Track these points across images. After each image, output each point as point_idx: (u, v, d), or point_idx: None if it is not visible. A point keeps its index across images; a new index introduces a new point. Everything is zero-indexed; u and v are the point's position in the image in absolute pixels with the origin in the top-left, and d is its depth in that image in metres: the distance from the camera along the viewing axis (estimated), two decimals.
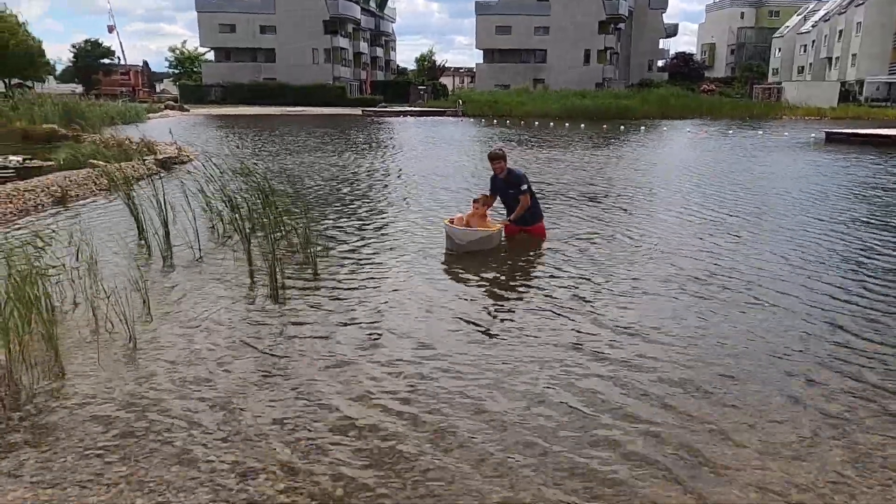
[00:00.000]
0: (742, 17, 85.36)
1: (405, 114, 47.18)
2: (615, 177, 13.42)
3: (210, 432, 3.31)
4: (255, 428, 3.36)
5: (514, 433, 3.32)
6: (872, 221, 8.87)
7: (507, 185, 7.49)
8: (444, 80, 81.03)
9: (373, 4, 74.24)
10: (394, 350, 4.37)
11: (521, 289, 5.80)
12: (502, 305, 5.35)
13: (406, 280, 6.00)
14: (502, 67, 63.84)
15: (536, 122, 36.01)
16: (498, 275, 6.20)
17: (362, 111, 50.10)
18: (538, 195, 8.14)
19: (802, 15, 75.12)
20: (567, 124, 34.55)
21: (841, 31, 61.60)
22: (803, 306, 5.27)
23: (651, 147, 21.72)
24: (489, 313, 5.16)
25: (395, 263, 6.57)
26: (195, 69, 73.35)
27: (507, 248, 7.19)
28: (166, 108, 48.22)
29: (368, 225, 8.58)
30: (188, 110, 48.27)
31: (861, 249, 7.24)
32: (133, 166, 12.50)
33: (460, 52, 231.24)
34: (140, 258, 6.70)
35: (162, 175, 12.57)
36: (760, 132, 28.57)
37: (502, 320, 4.99)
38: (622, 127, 31.96)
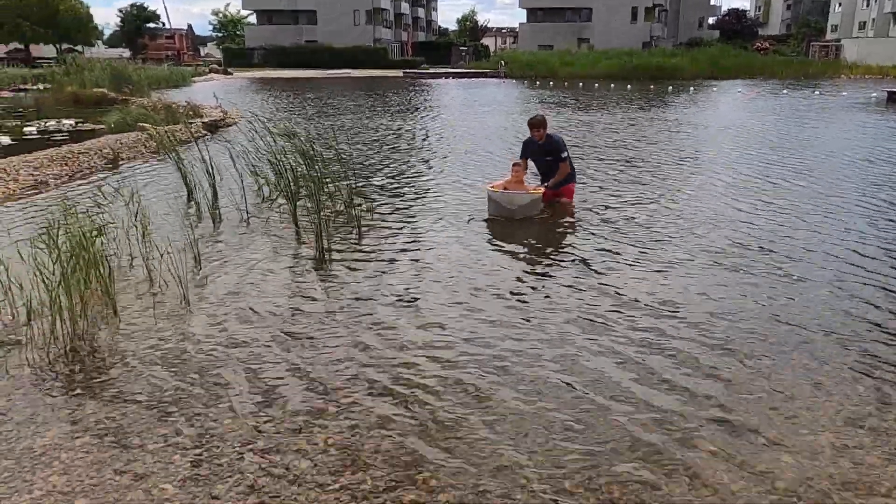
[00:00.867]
0: None
1: (446, 75, 46.68)
2: (656, 140, 13.06)
3: (257, 389, 3.40)
4: (299, 385, 3.44)
5: (549, 398, 3.32)
6: None
7: (544, 152, 7.34)
8: (486, 40, 79.69)
9: None
10: (434, 314, 4.38)
11: (557, 256, 5.66)
12: (539, 272, 5.26)
13: (446, 244, 5.97)
14: (546, 27, 62.32)
15: (581, 84, 35.22)
16: (536, 241, 6.13)
17: (403, 73, 49.79)
18: (574, 159, 7.95)
19: None
20: (612, 85, 33.70)
21: None
22: (849, 278, 5.08)
23: (698, 108, 21.05)
24: (526, 278, 5.12)
25: (436, 226, 6.57)
26: (238, 32, 73.74)
27: (543, 213, 7.05)
28: (210, 71, 48.71)
29: (410, 187, 8.58)
30: (232, 74, 48.71)
31: None
32: (180, 129, 12.71)
33: (503, 11, 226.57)
34: (190, 218, 6.85)
35: (208, 137, 12.76)
36: (817, 92, 27.38)
37: (539, 287, 4.93)
38: (670, 88, 31.02)
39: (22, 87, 27.88)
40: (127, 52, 65.42)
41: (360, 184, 8.50)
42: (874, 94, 25.11)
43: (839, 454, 2.83)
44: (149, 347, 3.85)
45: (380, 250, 5.76)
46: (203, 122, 14.44)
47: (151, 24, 75.58)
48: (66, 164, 9.49)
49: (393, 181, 8.95)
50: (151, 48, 65.91)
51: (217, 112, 15.96)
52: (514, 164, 7.19)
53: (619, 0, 59.66)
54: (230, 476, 2.69)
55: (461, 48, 65.15)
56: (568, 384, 3.42)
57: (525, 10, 64.56)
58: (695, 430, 3.01)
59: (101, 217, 6.13)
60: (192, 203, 7.34)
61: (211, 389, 3.37)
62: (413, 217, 6.95)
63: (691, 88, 30.97)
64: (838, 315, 4.30)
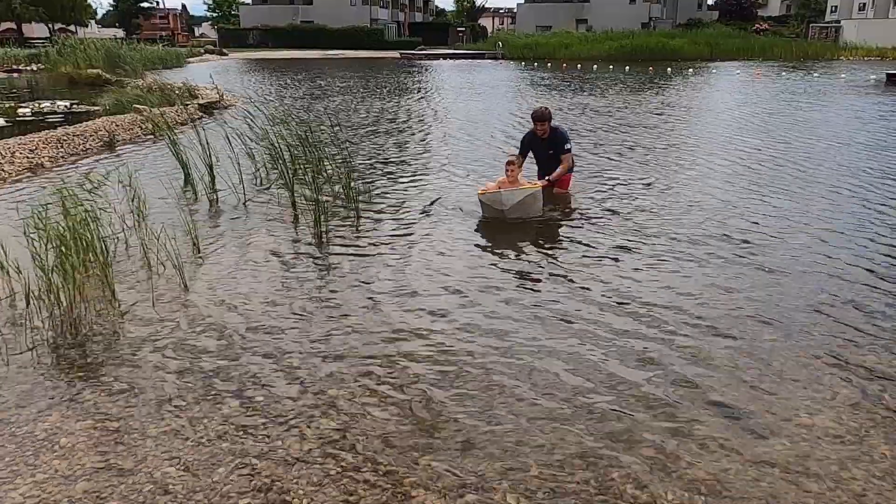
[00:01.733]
0: None
1: (444, 56, 46.31)
2: (655, 125, 12.98)
3: (256, 372, 3.41)
4: (298, 369, 3.45)
5: (546, 385, 3.34)
6: None
7: (547, 146, 6.91)
8: (483, 21, 79.01)
9: None
10: (431, 299, 4.39)
11: (551, 245, 5.61)
12: (536, 261, 5.24)
13: (444, 227, 5.95)
14: (544, 8, 61.77)
15: (579, 66, 34.97)
16: (532, 230, 6.04)
17: (400, 54, 49.36)
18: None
19: None
20: (611, 67, 33.47)
21: None
22: (844, 267, 5.10)
23: (697, 91, 20.94)
24: (524, 265, 5.12)
25: (434, 209, 6.55)
26: (233, 12, 72.91)
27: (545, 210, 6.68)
28: (205, 52, 48.23)
29: (408, 170, 8.55)
30: (227, 54, 48.24)
31: None
32: (176, 111, 12.62)
33: None
34: (187, 202, 6.83)
35: (204, 120, 12.67)
36: (816, 74, 27.25)
37: (535, 275, 4.94)
38: (669, 69, 30.84)
39: (15, 67, 27.58)
40: (121, 33, 64.71)
41: (358, 167, 8.47)
42: (873, 77, 25.00)
43: (837, 439, 2.86)
44: (148, 332, 3.85)
45: (378, 234, 5.75)
46: (199, 104, 14.33)
47: (145, 4, 74.69)
48: (62, 147, 9.42)
49: (390, 164, 8.91)
50: (145, 28, 65.27)
51: (213, 94, 15.83)
52: (507, 163, 6.47)
53: None
54: (231, 460, 2.70)
55: (458, 29, 64.58)
56: (563, 371, 3.44)
57: None
58: (694, 419, 3.04)
59: (97, 200, 6.11)
60: (189, 186, 7.31)
61: (210, 373, 3.38)
62: (411, 200, 6.93)
63: (690, 70, 30.78)
64: (838, 302, 4.32)
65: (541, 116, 6.82)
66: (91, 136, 10.24)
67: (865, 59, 40.18)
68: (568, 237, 5.73)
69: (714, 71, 30.97)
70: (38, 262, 4.09)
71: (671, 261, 5.06)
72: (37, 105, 14.43)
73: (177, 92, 15.29)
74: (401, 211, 6.54)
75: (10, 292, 4.26)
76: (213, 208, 6.63)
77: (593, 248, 5.41)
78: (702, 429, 2.92)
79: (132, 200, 6.30)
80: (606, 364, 3.47)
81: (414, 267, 4.95)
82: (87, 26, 60.49)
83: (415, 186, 7.60)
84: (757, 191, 7.28)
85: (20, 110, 13.58)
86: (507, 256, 5.23)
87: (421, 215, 6.37)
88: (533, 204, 6.19)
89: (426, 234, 5.76)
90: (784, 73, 27.92)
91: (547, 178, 6.74)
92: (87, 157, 9.30)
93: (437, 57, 46.27)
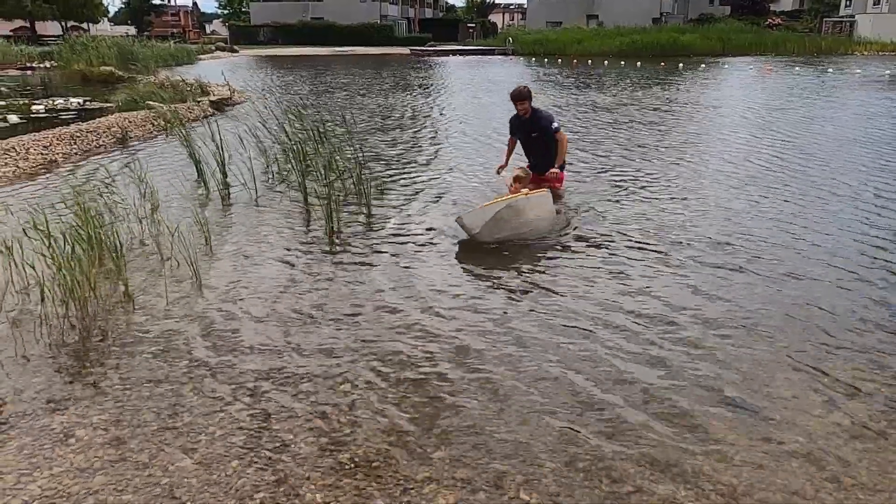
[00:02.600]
0: None
1: (453, 53, 46.23)
2: (661, 123, 12.88)
3: (269, 368, 3.43)
4: (310, 364, 3.46)
5: (556, 385, 3.34)
6: None
7: (530, 128, 6.51)
8: (493, 17, 78.81)
9: None
10: (441, 297, 4.39)
11: (560, 246, 5.50)
12: (544, 259, 5.21)
13: (455, 227, 5.90)
14: (554, 3, 61.45)
15: (590, 61, 34.82)
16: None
17: (410, 50, 49.32)
18: (574, 145, 7.48)
19: None
20: (622, 63, 33.30)
21: None
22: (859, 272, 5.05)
23: (708, 88, 20.79)
24: (534, 263, 5.10)
25: (445, 206, 6.54)
26: (244, 9, 73.10)
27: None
28: (217, 49, 48.39)
29: (419, 166, 8.55)
30: (238, 51, 48.37)
31: None
32: (188, 107, 12.69)
33: None
34: (199, 198, 6.86)
35: (216, 116, 12.72)
36: (830, 70, 26.97)
37: (542, 281, 4.94)
38: (681, 65, 30.63)
39: (29, 64, 27.80)
40: (132, 30, 65.07)
41: (369, 163, 8.47)
42: (888, 72, 24.74)
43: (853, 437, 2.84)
44: (161, 327, 3.87)
45: (390, 230, 5.76)
46: (210, 101, 14.39)
47: (157, 2, 75.06)
48: (76, 143, 9.49)
49: (400, 160, 8.92)
50: (157, 26, 65.57)
51: (224, 90, 15.89)
52: (515, 179, 5.92)
53: None
54: (245, 454, 2.72)
55: (469, 25, 64.47)
56: (574, 372, 3.44)
57: None
58: (707, 419, 3.02)
59: (110, 196, 6.16)
60: (201, 182, 7.34)
61: (223, 368, 3.40)
62: (422, 197, 6.93)
63: (702, 65, 30.57)
64: (852, 305, 4.28)
65: (518, 95, 6.39)
66: (104, 132, 10.30)
67: (880, 53, 39.70)
68: (568, 236, 5.70)
69: (726, 66, 30.74)
70: (53, 258, 4.12)
71: (675, 263, 5.01)
72: (50, 102, 14.54)
73: (188, 89, 15.36)
74: (412, 207, 6.53)
75: (25, 287, 4.29)
76: (225, 204, 6.66)
77: (593, 250, 5.35)
78: (715, 427, 2.91)
79: (145, 196, 6.34)
80: (616, 366, 3.46)
81: (426, 264, 4.95)
82: (99, 23, 60.84)
83: (425, 182, 7.60)
84: (766, 192, 7.21)
85: (34, 107, 13.69)
86: (519, 256, 5.21)
87: (433, 210, 6.37)
88: (514, 218, 5.28)
89: (438, 231, 5.75)
90: (797, 69, 27.66)
91: (555, 168, 6.32)
92: (100, 154, 9.37)
93: (446, 53, 46.19)
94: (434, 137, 11.00)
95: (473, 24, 65.19)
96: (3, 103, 14.10)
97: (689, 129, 11.88)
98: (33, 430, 2.87)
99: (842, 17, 58.39)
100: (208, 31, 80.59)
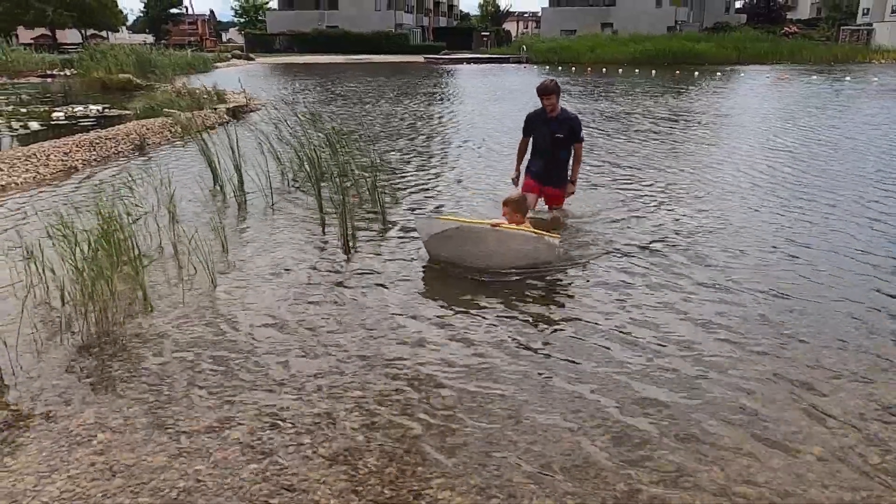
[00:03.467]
0: None
1: (468, 61, 46.40)
2: (674, 133, 12.86)
3: (284, 373, 3.45)
4: (325, 369, 3.48)
5: (573, 395, 3.33)
6: None
7: (554, 127, 5.92)
8: (507, 25, 79.00)
9: None
10: (455, 304, 4.40)
11: (580, 258, 5.49)
12: (563, 273, 5.20)
13: None
14: (569, 12, 61.60)
15: (604, 70, 34.81)
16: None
17: (425, 59, 49.56)
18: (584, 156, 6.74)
19: None
20: (637, 71, 33.26)
21: None
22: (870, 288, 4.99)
23: (725, 96, 20.70)
24: (552, 277, 5.08)
25: (460, 214, 6.56)
26: (260, 18, 73.86)
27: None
28: (233, 57, 48.88)
29: (431, 173, 8.58)
30: (254, 59, 48.83)
31: None
32: (205, 115, 12.82)
33: None
34: (216, 204, 6.93)
35: (232, 123, 12.84)
36: (848, 78, 26.78)
37: (563, 287, 4.93)
38: (696, 73, 30.54)
39: (49, 72, 28.23)
40: (150, 38, 65.91)
41: (384, 171, 8.52)
42: None
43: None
44: (178, 331, 3.91)
45: (404, 239, 5.77)
46: (227, 108, 14.54)
47: (175, 11, 76.01)
48: (95, 150, 9.62)
49: (414, 168, 8.95)
50: (174, 34, 66.33)
51: (240, 98, 16.06)
52: (504, 203, 5.16)
53: None
54: (260, 459, 2.74)
55: (483, 33, 64.68)
56: (587, 383, 3.43)
57: None
58: (723, 431, 3.01)
59: (129, 202, 6.23)
60: (218, 188, 7.41)
61: (240, 373, 3.43)
62: (436, 204, 6.95)
63: (718, 74, 30.45)
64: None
65: (545, 89, 5.84)
66: (122, 139, 10.44)
67: None
68: (580, 242, 5.69)
69: (742, 75, 30.61)
70: (73, 262, 4.18)
71: (686, 281, 4.99)
72: (70, 109, 14.75)
73: (205, 96, 15.53)
74: (426, 214, 6.55)
75: (45, 291, 4.35)
76: (242, 210, 6.72)
77: (610, 262, 5.36)
78: (730, 441, 2.89)
79: (163, 202, 6.42)
80: (629, 377, 3.45)
81: (441, 273, 4.96)
82: (118, 31, 61.71)
83: (439, 190, 7.64)
84: (786, 206, 7.16)
85: (54, 114, 13.90)
86: (537, 268, 5.21)
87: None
88: (464, 244, 4.79)
89: None
90: (814, 77, 27.49)
91: (571, 179, 6.05)
92: (118, 160, 9.49)
93: (461, 61, 46.38)
94: (448, 145, 11.04)
95: (488, 33, 65.38)
96: (24, 110, 14.33)
97: (707, 139, 11.83)
98: (52, 433, 2.90)
99: (859, 25, 57.94)
100: (225, 39, 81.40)
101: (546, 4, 64.54)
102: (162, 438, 2.87)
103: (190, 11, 76.64)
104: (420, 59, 49.75)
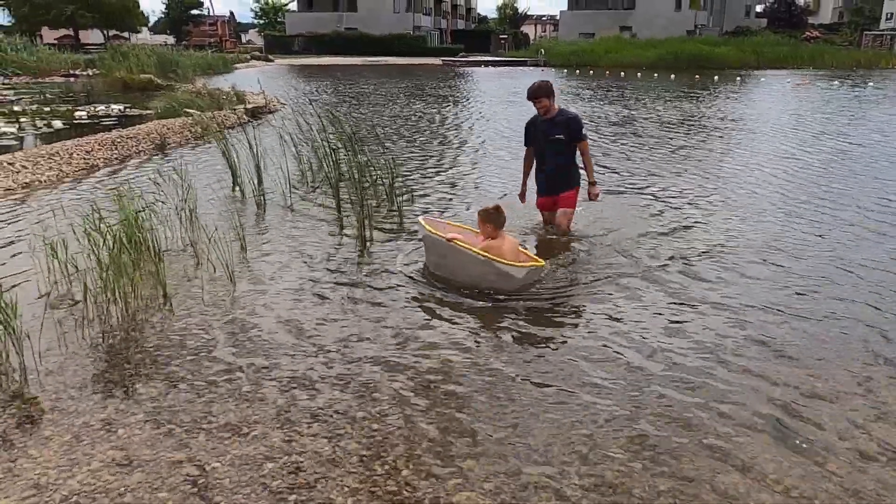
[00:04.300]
0: None
1: (485, 64, 46.41)
2: (698, 141, 12.78)
3: (304, 371, 3.47)
4: (345, 369, 3.49)
5: (591, 401, 3.31)
6: None
7: (551, 129, 5.52)
8: (525, 28, 78.93)
9: None
10: (472, 307, 4.40)
11: (602, 267, 5.42)
12: (583, 280, 5.16)
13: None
14: (587, 15, 61.40)
15: (622, 73, 34.65)
16: (572, 235, 5.95)
17: (442, 61, 49.63)
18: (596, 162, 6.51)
19: None
20: (656, 75, 33.07)
21: None
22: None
23: (747, 101, 20.52)
24: (570, 285, 5.07)
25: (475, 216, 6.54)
26: (279, 20, 74.41)
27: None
28: (252, 58, 49.25)
29: (450, 175, 8.59)
30: (273, 61, 49.17)
31: None
32: (224, 115, 12.93)
33: None
34: (235, 203, 6.98)
35: (251, 123, 12.94)
36: (870, 83, 26.43)
37: (581, 294, 4.89)
38: (716, 77, 30.30)
39: (72, 72, 28.63)
40: (171, 39, 66.67)
41: (401, 172, 8.54)
42: None
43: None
44: (198, 329, 3.95)
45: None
46: (246, 109, 14.65)
47: (195, 12, 76.80)
48: (116, 149, 9.74)
49: (433, 170, 8.97)
50: (195, 35, 66.98)
51: (259, 98, 16.17)
52: (478, 213, 4.75)
53: None
54: (278, 457, 2.75)
55: (501, 36, 64.66)
56: (606, 387, 3.41)
57: None
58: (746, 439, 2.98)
59: (150, 200, 6.30)
60: (237, 188, 7.47)
61: (257, 372, 3.45)
62: (454, 206, 6.96)
63: (738, 78, 30.20)
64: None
65: (535, 92, 5.46)
66: (143, 138, 10.56)
67: None
68: (595, 250, 5.66)
69: (763, 79, 30.33)
70: (95, 260, 4.23)
71: (707, 291, 4.96)
72: (92, 108, 14.94)
73: (225, 97, 15.66)
74: (444, 216, 6.56)
75: (68, 287, 4.41)
76: (260, 209, 6.77)
77: (629, 269, 5.33)
78: (753, 451, 2.86)
79: (183, 201, 6.47)
80: (646, 386, 3.43)
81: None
82: (139, 32, 62.48)
83: (456, 191, 7.64)
84: (807, 214, 7.08)
85: (77, 113, 14.08)
86: (554, 274, 5.19)
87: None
88: (433, 253, 4.77)
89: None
90: (836, 83, 27.16)
91: (591, 181, 5.64)
92: (139, 159, 9.60)
93: (478, 64, 46.39)
94: (465, 145, 11.04)
95: (505, 36, 65.37)
96: (47, 109, 14.53)
97: (726, 147, 11.73)
98: (74, 427, 2.94)
99: (882, 30, 57.18)
100: (244, 40, 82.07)
101: (564, 7, 64.43)
102: (181, 434, 2.89)
103: (210, 13, 77.39)
104: (437, 61, 49.82)
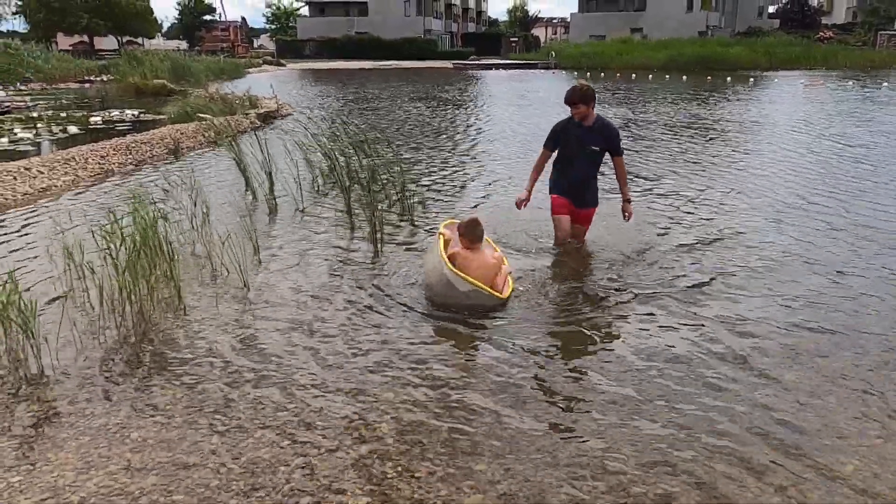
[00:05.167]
0: None
1: (496, 67, 46.45)
2: (705, 147, 12.69)
3: (317, 373, 3.49)
4: (357, 372, 3.51)
5: (606, 402, 3.31)
6: None
7: (588, 138, 5.15)
8: (536, 31, 78.89)
9: None
10: (484, 318, 4.40)
11: (599, 270, 5.45)
12: (599, 290, 5.16)
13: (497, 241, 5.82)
14: (598, 17, 61.29)
15: (633, 75, 34.55)
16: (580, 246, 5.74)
17: (453, 64, 49.72)
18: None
19: None
20: (667, 77, 32.95)
21: None
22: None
23: (757, 104, 20.37)
24: (584, 294, 5.07)
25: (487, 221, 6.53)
26: (290, 24, 74.87)
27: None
28: (264, 63, 49.60)
29: (460, 179, 8.61)
30: (285, 65, 49.51)
31: None
32: (237, 120, 13.03)
33: (554, 1, 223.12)
34: (248, 207, 7.03)
35: (264, 128, 13.03)
36: (885, 84, 26.18)
37: (596, 302, 4.89)
38: (728, 79, 30.13)
39: (87, 78, 28.96)
40: (184, 44, 67.25)
41: (412, 176, 8.55)
42: None
43: None
44: (213, 332, 3.98)
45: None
46: (258, 113, 14.75)
47: (208, 18, 77.45)
48: (131, 153, 9.84)
49: (443, 173, 8.99)
50: (207, 40, 67.57)
51: (271, 103, 16.28)
52: (458, 230, 4.58)
53: None
54: (292, 459, 2.77)
55: (511, 39, 64.69)
56: (621, 389, 3.41)
57: (576, 0, 63.63)
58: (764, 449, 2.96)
59: (164, 205, 6.36)
60: (250, 192, 7.52)
61: (270, 375, 3.47)
62: (465, 208, 6.96)
63: (751, 80, 30.02)
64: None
65: (571, 98, 5.06)
66: (157, 143, 10.66)
67: None
68: (604, 259, 5.64)
69: (776, 80, 30.12)
70: (112, 263, 4.27)
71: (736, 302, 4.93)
72: (107, 114, 15.11)
73: (237, 102, 15.78)
74: (456, 220, 6.55)
75: (85, 290, 4.46)
76: (273, 214, 6.81)
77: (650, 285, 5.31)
78: (765, 455, 2.84)
79: (196, 205, 6.53)
80: (662, 388, 3.42)
81: None
82: (153, 38, 63.09)
83: (467, 195, 7.65)
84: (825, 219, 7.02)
85: (92, 119, 14.25)
86: (561, 276, 5.19)
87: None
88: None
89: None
90: (850, 83, 26.93)
91: (626, 198, 5.29)
92: (153, 164, 9.69)
93: (489, 67, 46.44)
94: (475, 148, 11.05)
95: (516, 39, 65.40)
96: (63, 115, 14.71)
97: (747, 150, 11.66)
98: (90, 430, 2.97)
99: None
100: (256, 45, 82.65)
101: (575, 10, 64.32)
102: (196, 437, 2.92)
103: (222, 18, 78.03)
104: (448, 64, 49.92)
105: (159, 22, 67.80)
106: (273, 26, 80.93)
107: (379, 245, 5.61)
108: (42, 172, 8.14)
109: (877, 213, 6.69)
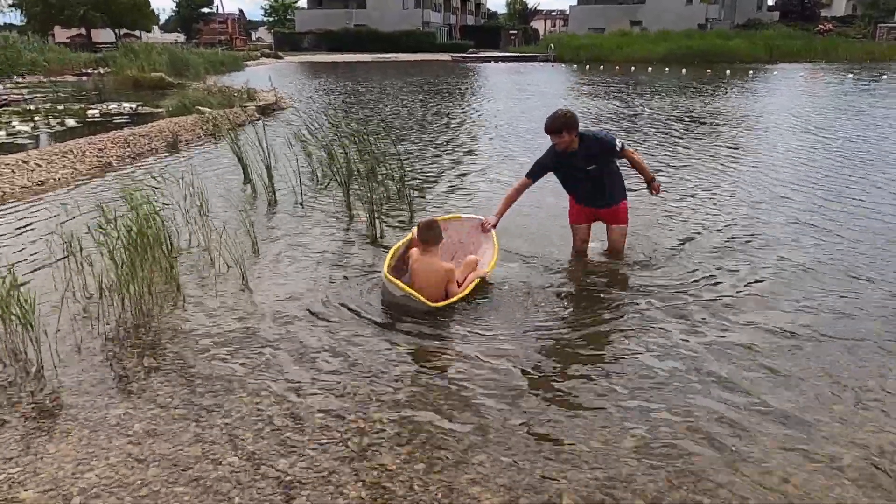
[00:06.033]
0: None
1: (495, 59, 46.32)
2: (722, 143, 12.67)
3: (315, 366, 3.49)
4: (356, 365, 3.51)
5: (606, 390, 3.31)
6: None
7: (581, 160, 4.78)
8: (535, 23, 78.65)
9: None
10: (484, 303, 4.40)
11: (607, 270, 5.40)
12: (602, 284, 5.07)
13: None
14: (597, 9, 61.08)
15: (633, 68, 34.47)
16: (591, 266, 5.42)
17: (451, 57, 49.55)
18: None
19: None
20: (667, 69, 32.86)
21: None
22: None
23: (757, 97, 20.33)
24: (577, 270, 5.07)
25: (488, 213, 6.53)
26: (288, 17, 74.57)
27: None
28: (262, 55, 49.41)
29: (459, 172, 8.59)
30: (282, 58, 49.34)
31: None
32: (235, 113, 12.99)
33: None
34: (247, 200, 7.02)
35: (262, 121, 12.99)
36: (885, 77, 26.14)
37: (599, 295, 4.89)
38: (728, 72, 30.06)
39: (84, 70, 28.84)
40: (181, 37, 66.96)
41: (411, 168, 8.54)
42: None
43: None
44: (211, 325, 3.98)
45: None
46: (257, 106, 14.71)
47: (205, 10, 77.10)
48: (129, 147, 9.81)
49: (441, 166, 8.97)
50: (205, 33, 67.27)
51: (270, 96, 16.23)
52: (419, 235, 4.42)
53: None
54: (292, 451, 2.77)
55: (510, 32, 64.49)
56: (619, 376, 3.41)
57: None
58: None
59: (162, 198, 6.35)
60: (248, 185, 7.51)
61: (271, 369, 3.47)
62: (463, 202, 6.96)
63: (750, 72, 29.95)
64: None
65: (551, 125, 4.67)
66: (155, 136, 10.62)
67: None
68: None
69: (775, 73, 30.06)
70: (110, 256, 4.27)
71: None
72: (104, 107, 15.05)
73: (236, 94, 15.73)
74: (453, 213, 6.55)
75: (83, 284, 4.46)
76: (272, 207, 6.80)
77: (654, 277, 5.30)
78: (764, 444, 2.85)
79: (195, 198, 6.52)
80: (663, 365, 3.43)
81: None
82: (150, 31, 62.82)
83: (465, 188, 7.64)
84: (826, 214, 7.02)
85: (89, 112, 14.19)
86: (553, 260, 5.19)
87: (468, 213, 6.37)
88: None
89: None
90: (850, 76, 26.87)
91: (653, 187, 5.02)
92: (151, 157, 9.66)
93: (488, 60, 46.31)
94: (474, 141, 11.03)
95: (515, 31, 65.19)
96: (60, 108, 14.65)
97: (751, 144, 11.65)
98: (91, 422, 2.98)
99: None
100: (254, 38, 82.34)
101: (574, 2, 64.08)
102: (196, 429, 2.92)
103: (220, 11, 77.66)
104: (447, 57, 49.75)
105: (156, 14, 67.45)
106: (271, 19, 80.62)
107: (378, 238, 5.61)
108: (40, 165, 8.12)
109: None
